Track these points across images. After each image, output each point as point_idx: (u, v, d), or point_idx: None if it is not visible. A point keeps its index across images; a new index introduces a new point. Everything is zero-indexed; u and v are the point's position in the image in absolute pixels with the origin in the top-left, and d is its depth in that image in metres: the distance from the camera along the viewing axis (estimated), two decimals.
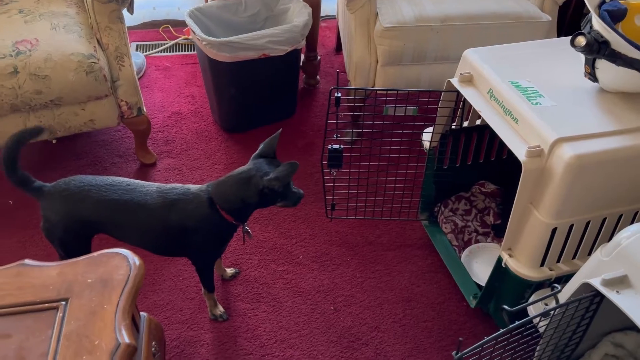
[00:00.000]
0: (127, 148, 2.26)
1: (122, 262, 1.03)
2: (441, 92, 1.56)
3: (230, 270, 1.75)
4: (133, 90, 1.94)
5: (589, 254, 1.36)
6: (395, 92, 1.59)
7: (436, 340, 1.59)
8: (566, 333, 1.16)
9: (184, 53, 2.89)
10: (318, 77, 2.64)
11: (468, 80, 1.49)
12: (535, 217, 1.28)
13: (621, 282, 1.05)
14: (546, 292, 1.32)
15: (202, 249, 1.49)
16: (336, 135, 1.66)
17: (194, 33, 2.09)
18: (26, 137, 1.37)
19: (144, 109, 2.04)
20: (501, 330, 0.98)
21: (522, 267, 1.34)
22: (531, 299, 1.25)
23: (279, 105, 2.38)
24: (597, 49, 1.23)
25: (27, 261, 1.04)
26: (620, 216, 1.32)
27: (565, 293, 1.23)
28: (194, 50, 2.89)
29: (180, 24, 3.04)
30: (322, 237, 1.89)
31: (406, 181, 1.78)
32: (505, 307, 1.01)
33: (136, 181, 1.45)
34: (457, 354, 0.97)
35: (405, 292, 1.72)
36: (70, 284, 0.99)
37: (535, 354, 1.24)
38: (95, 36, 1.88)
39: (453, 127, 1.70)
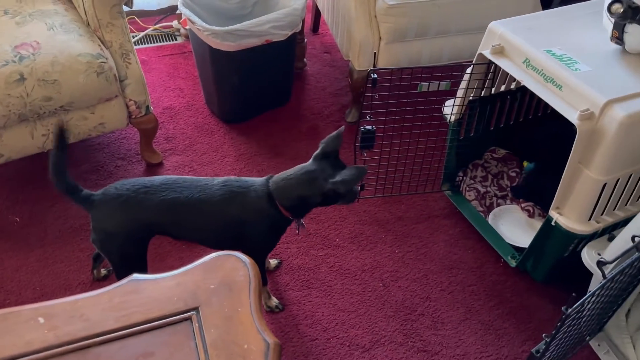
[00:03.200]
0: (127, 149, 2.16)
1: (237, 263, 1.01)
2: (472, 64, 1.62)
3: (273, 262, 1.74)
4: (141, 88, 1.85)
5: (626, 204, 1.49)
6: (430, 68, 1.63)
7: (485, 302, 1.68)
8: (634, 279, 1.28)
9: (157, 44, 2.77)
10: (305, 59, 2.62)
11: (499, 52, 1.55)
12: (586, 176, 1.38)
13: None
14: (601, 242, 1.43)
15: (258, 242, 1.47)
16: (369, 117, 1.68)
17: (193, 23, 2.01)
18: (66, 137, 1.28)
19: (151, 107, 1.95)
20: (604, 281, 1.07)
21: (572, 222, 1.45)
22: (613, 253, 1.34)
23: (277, 91, 2.35)
24: (631, 15, 1.33)
25: (136, 276, 0.99)
26: None
27: (620, 242, 1.35)
28: (168, 41, 2.78)
29: (146, 14, 2.91)
30: (353, 218, 1.92)
31: (425, 155, 1.85)
32: (602, 258, 1.09)
33: (189, 177, 1.41)
34: (566, 309, 1.04)
35: (445, 261, 1.80)
36: (194, 293, 0.96)
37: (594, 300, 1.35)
38: (96, 34, 1.77)
39: (471, 98, 1.77)
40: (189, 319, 0.93)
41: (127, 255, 1.37)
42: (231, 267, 1.01)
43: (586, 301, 1.05)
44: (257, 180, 1.41)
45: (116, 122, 1.85)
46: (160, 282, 0.98)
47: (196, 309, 0.94)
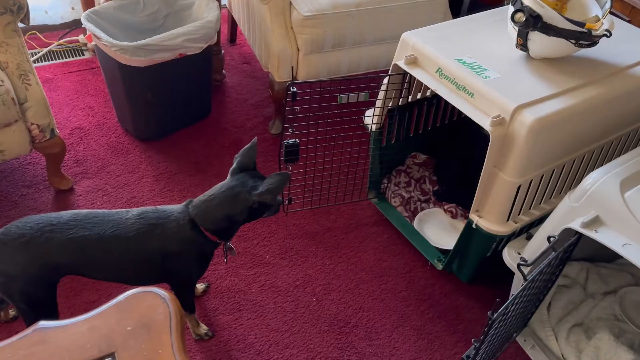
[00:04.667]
0: (33, 176, 2.00)
1: (155, 300, 0.95)
2: (389, 75, 1.64)
3: (200, 286, 1.67)
4: (44, 111, 1.72)
5: (540, 202, 1.56)
6: (348, 80, 1.62)
7: (415, 307, 1.70)
8: (552, 276, 1.34)
9: (62, 60, 2.61)
10: (224, 71, 2.56)
11: (413, 62, 1.58)
12: (501, 179, 1.43)
13: (595, 222, 1.23)
14: (519, 241, 1.49)
15: (185, 274, 1.40)
16: (291, 130, 1.66)
17: (99, 39, 1.90)
18: None
19: (57, 130, 1.82)
20: (525, 283, 1.10)
21: (492, 224, 1.49)
22: (531, 252, 1.39)
23: (195, 105, 2.28)
24: (533, 23, 1.39)
25: (42, 323, 0.90)
26: (563, 166, 1.53)
27: (537, 241, 1.41)
28: (74, 56, 2.62)
29: (49, 29, 2.73)
30: (282, 233, 1.88)
31: (350, 165, 1.85)
32: (523, 260, 1.13)
33: (101, 211, 1.31)
34: (492, 314, 1.06)
35: (375, 269, 1.80)
36: (109, 337, 0.89)
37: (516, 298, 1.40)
38: None
39: (390, 107, 1.79)
40: None
41: (32, 300, 1.26)
42: (149, 304, 0.94)
43: (510, 304, 1.08)
44: (176, 207, 1.33)
45: (18, 148, 1.71)
46: (70, 328, 0.90)
47: (112, 354, 0.87)
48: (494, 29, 1.65)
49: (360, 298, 1.71)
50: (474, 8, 2.52)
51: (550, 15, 1.37)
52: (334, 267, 1.79)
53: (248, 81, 2.57)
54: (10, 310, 1.54)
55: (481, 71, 1.47)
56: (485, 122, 1.38)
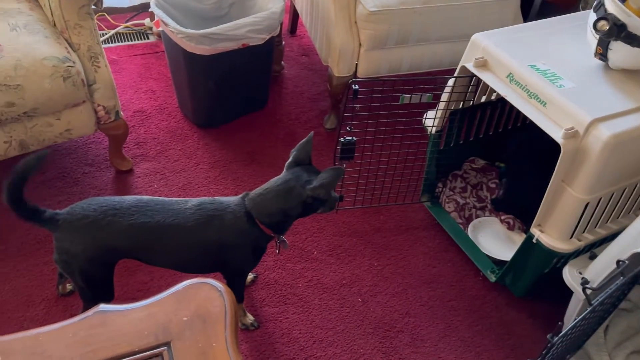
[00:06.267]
0: (95, 155, 2.07)
1: (212, 292, 0.95)
2: (455, 77, 1.59)
3: (249, 276, 1.68)
4: (111, 93, 1.77)
5: (607, 221, 1.48)
6: (412, 80, 1.59)
7: (464, 318, 1.66)
8: (617, 300, 1.27)
9: (128, 43, 2.67)
10: (283, 62, 2.56)
11: (482, 65, 1.53)
12: (568, 194, 1.37)
13: None
14: (582, 260, 1.42)
15: (239, 265, 1.41)
16: (350, 128, 1.64)
17: (167, 25, 1.93)
18: (32, 167, 1.19)
19: (121, 112, 1.86)
20: (590, 307, 1.05)
21: (554, 240, 1.43)
22: (594, 273, 1.32)
23: (254, 96, 2.29)
24: (616, 32, 1.31)
25: (103, 307, 0.93)
26: (636, 185, 1.44)
27: (602, 262, 1.34)
28: (139, 39, 2.68)
29: (117, 11, 2.80)
30: (331, 230, 1.87)
31: (405, 166, 1.81)
32: (588, 285, 1.07)
33: (162, 199, 1.34)
34: (552, 337, 1.02)
35: (424, 275, 1.77)
36: (166, 326, 0.90)
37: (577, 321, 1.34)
38: (63, 35, 1.68)
39: (452, 109, 1.74)
40: (160, 355, 0.87)
41: (90, 279, 1.30)
42: (205, 296, 0.95)
43: (571, 327, 1.03)
44: (233, 199, 1.34)
45: (84, 128, 1.76)
46: (129, 313, 0.92)
47: (167, 344, 0.88)
48: (571, 35, 1.57)
49: (407, 303, 1.68)
50: (545, 10, 2.41)
51: (636, 25, 1.29)
52: (381, 268, 1.77)
53: (306, 74, 2.56)
54: (67, 285, 1.60)
55: (555, 79, 1.40)
56: (557, 134, 1.31)
